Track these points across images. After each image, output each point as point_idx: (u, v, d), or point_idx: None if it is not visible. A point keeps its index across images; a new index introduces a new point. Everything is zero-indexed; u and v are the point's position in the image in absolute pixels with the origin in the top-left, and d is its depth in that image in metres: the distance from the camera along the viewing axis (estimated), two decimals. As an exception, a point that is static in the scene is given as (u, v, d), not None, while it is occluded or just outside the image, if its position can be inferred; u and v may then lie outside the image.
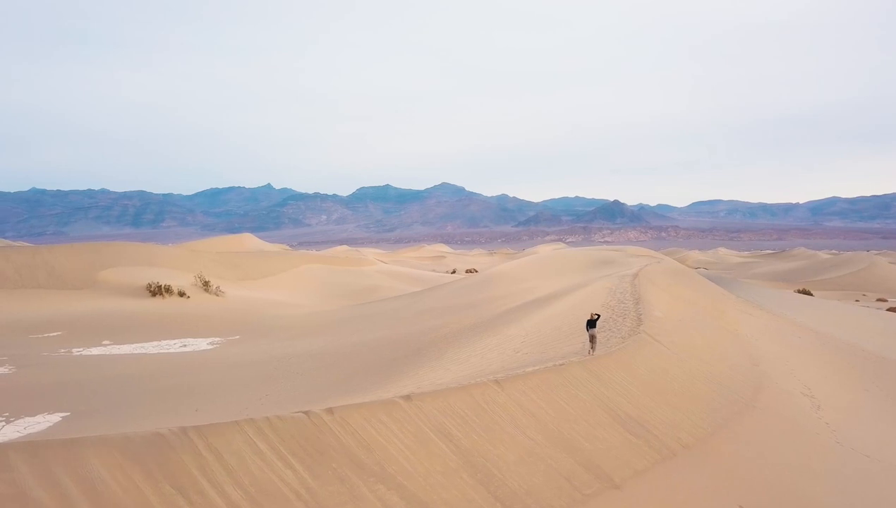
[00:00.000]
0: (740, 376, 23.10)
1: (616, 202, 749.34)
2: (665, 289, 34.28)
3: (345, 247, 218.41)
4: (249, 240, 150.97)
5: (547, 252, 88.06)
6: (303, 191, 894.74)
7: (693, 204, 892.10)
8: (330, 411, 9.64)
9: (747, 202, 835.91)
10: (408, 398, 10.94)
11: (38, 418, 28.22)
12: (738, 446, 16.36)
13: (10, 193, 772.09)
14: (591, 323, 20.04)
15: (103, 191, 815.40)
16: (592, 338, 19.87)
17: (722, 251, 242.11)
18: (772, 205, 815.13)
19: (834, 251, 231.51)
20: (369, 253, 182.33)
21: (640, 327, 22.24)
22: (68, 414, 28.67)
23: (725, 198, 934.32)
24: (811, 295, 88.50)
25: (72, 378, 35.10)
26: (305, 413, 9.31)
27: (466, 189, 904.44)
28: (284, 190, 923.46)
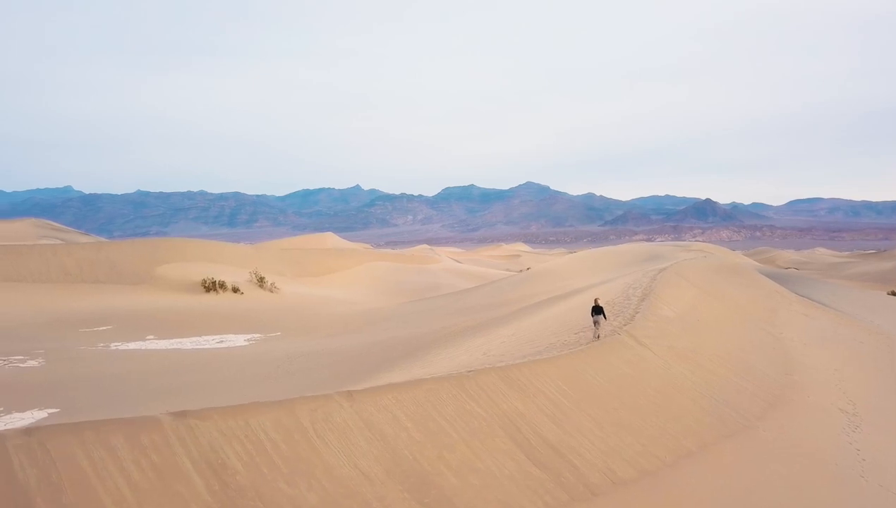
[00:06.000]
0: (754, 388, 19.24)
1: (708, 201, 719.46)
2: (697, 286, 30.22)
3: (424, 247, 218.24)
4: (330, 239, 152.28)
5: (603, 249, 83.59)
6: (390, 191, 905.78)
7: (790, 202, 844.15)
8: (27, 432, 7.26)
9: (850, 200, 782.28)
10: (180, 415, 8.39)
11: (27, 414, 27.61)
12: (706, 481, 12.86)
13: (117, 195, 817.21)
14: (596, 310, 19.61)
15: (201, 193, 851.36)
16: (597, 324, 19.63)
17: (819, 251, 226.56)
18: (877, 203, 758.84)
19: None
20: (444, 251, 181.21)
21: (625, 327, 18.77)
22: (58, 410, 27.94)
23: (826, 196, 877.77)
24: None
25: (88, 373, 34.61)
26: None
27: (551, 187, 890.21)
28: (372, 190, 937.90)
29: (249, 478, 8.14)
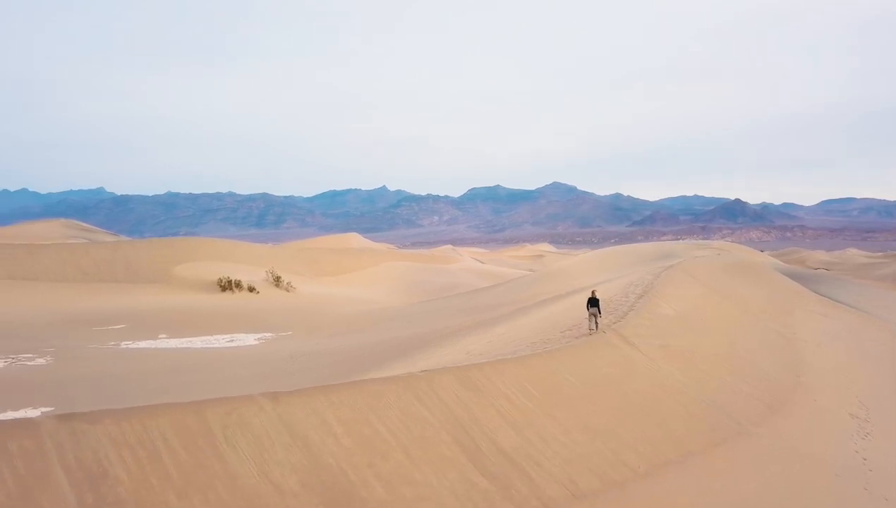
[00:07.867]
0: (752, 390, 17.96)
1: (737, 201, 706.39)
2: (705, 284, 28.82)
3: (449, 247, 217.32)
4: (354, 240, 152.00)
5: (615, 247, 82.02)
6: (416, 192, 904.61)
7: (822, 202, 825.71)
8: None
9: (884, 200, 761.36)
10: (65, 418, 7.57)
11: (20, 412, 27.51)
12: (683, 492, 11.69)
13: (148, 196, 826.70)
14: (592, 302, 19.33)
15: (230, 194, 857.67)
16: (592, 317, 19.34)
17: (851, 251, 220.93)
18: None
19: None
20: (467, 252, 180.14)
21: (613, 325, 17.61)
22: (52, 409, 27.72)
23: (859, 196, 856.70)
24: (940, 297, 77.02)
25: (90, 372, 34.36)
26: None
27: (578, 188, 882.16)
28: (399, 191, 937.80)
29: (133, 490, 7.26)
